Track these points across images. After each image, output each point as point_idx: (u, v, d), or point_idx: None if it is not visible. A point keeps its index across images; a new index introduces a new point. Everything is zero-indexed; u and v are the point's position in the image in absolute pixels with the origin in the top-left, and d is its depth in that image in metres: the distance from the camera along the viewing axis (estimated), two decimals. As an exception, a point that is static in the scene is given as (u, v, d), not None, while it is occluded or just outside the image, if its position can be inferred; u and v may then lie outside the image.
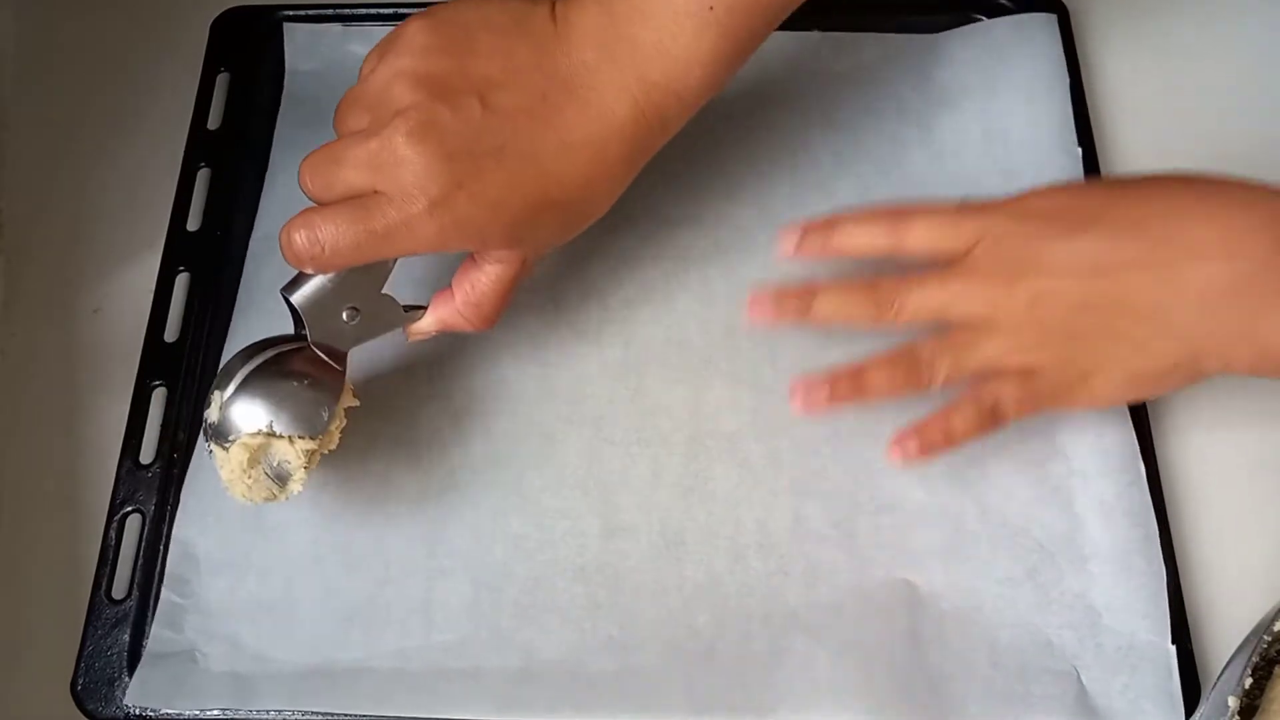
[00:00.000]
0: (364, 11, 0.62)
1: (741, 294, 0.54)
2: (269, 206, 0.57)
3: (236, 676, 0.46)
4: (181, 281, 0.55)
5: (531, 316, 0.54)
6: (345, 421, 0.47)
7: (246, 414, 0.44)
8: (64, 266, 0.57)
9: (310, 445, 0.45)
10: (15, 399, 0.54)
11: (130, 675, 0.47)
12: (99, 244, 0.58)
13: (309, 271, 0.45)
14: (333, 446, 0.46)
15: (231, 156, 0.58)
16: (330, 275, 0.45)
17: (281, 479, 0.45)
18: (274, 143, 0.59)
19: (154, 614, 0.48)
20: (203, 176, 0.58)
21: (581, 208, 0.46)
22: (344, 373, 0.46)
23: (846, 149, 0.58)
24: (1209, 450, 0.51)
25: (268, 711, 0.46)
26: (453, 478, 0.51)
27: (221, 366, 0.46)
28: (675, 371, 0.53)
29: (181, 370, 0.53)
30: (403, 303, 0.48)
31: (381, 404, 0.52)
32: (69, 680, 0.47)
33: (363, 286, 0.46)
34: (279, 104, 0.60)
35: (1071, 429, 0.50)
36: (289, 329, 0.54)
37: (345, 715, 0.46)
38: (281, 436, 0.44)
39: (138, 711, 0.46)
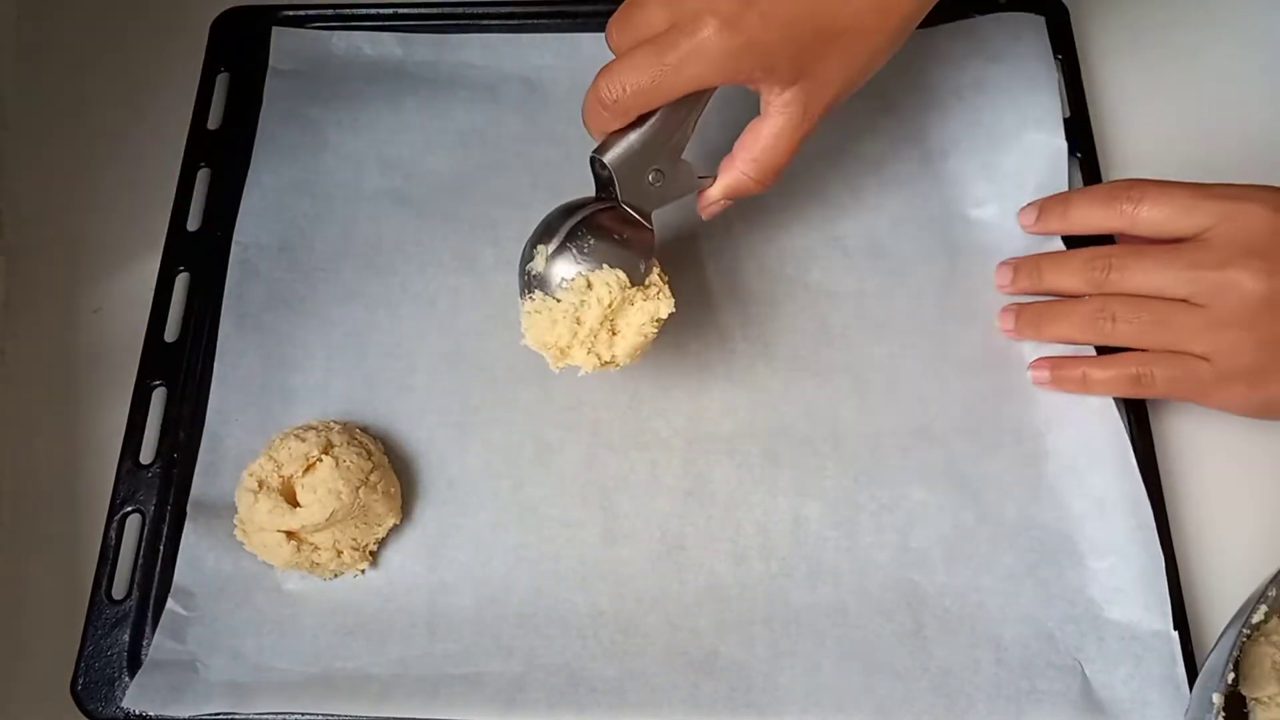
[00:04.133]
0: (362, 11, 0.62)
1: (734, 295, 0.54)
2: (250, 204, 0.57)
3: (235, 685, 0.46)
4: (181, 281, 0.55)
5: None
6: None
7: (570, 264, 0.46)
8: (64, 266, 0.57)
9: (632, 291, 0.46)
10: (15, 399, 0.54)
11: (130, 675, 0.47)
12: (99, 244, 0.58)
13: (611, 121, 0.46)
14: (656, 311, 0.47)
15: (231, 156, 0.58)
16: (636, 135, 0.46)
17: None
18: (256, 143, 0.59)
19: (154, 614, 0.48)
20: (203, 176, 0.58)
21: (871, 40, 0.45)
22: (653, 231, 0.48)
23: (836, 149, 0.58)
24: (1203, 439, 0.52)
25: (266, 714, 0.46)
26: (451, 490, 0.51)
27: (541, 222, 0.48)
28: (672, 375, 0.53)
29: (181, 370, 0.53)
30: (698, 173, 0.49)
31: (380, 419, 0.52)
32: (69, 680, 0.47)
33: (665, 150, 0.47)
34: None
35: (1061, 426, 0.51)
36: (285, 333, 0.54)
37: (345, 716, 0.46)
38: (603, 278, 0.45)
39: (137, 712, 0.46)
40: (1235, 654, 0.40)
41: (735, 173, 0.48)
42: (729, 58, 0.43)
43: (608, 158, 0.46)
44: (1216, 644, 0.42)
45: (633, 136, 0.46)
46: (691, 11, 0.43)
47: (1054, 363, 0.51)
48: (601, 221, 0.47)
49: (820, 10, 0.43)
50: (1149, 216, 0.49)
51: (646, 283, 0.47)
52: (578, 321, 0.46)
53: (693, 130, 0.47)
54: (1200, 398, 0.49)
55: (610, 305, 0.45)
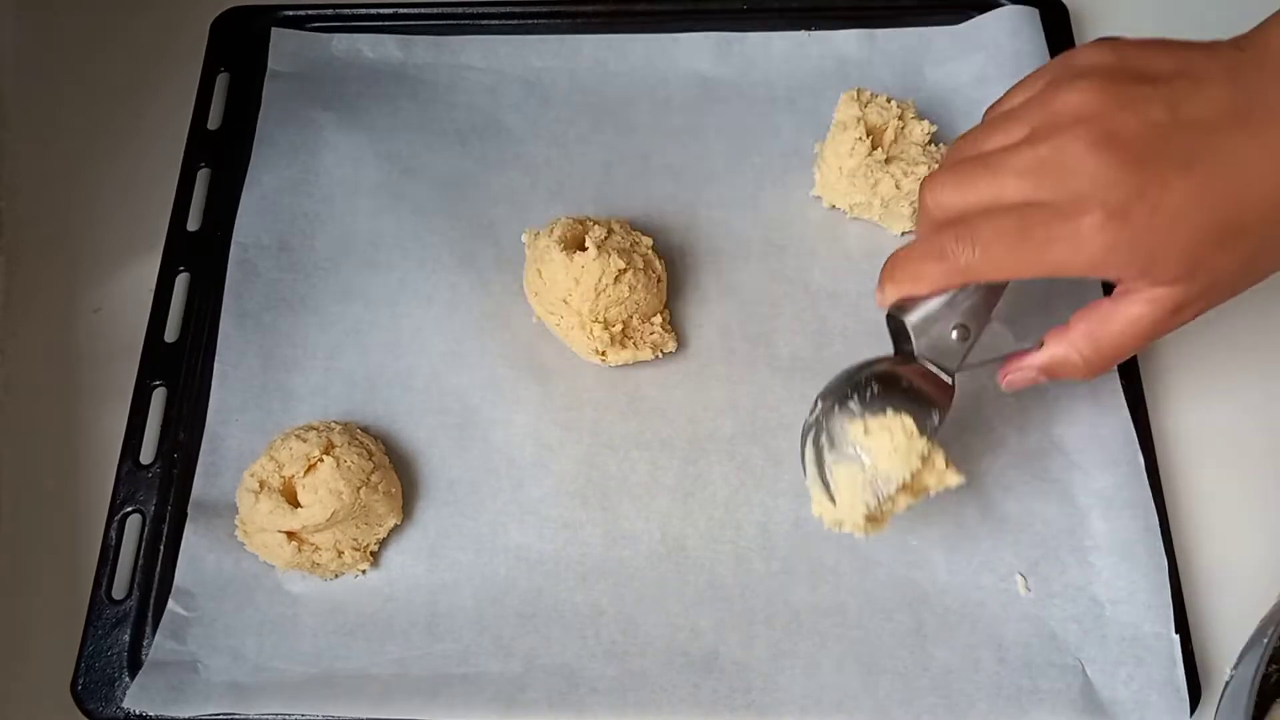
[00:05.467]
0: (362, 12, 0.62)
1: (734, 295, 0.54)
2: (250, 204, 0.57)
3: (236, 685, 0.46)
4: (181, 281, 0.55)
5: (525, 325, 0.54)
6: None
7: (857, 411, 0.43)
8: (64, 266, 0.57)
9: (922, 442, 0.42)
10: (15, 399, 0.54)
11: (130, 675, 0.47)
12: (99, 244, 0.58)
13: (944, 281, 0.42)
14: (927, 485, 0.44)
15: (231, 156, 0.58)
16: (943, 296, 0.43)
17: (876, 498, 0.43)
18: (255, 143, 0.59)
19: (154, 614, 0.48)
20: (203, 176, 0.58)
21: (1276, 240, 0.40)
22: (953, 388, 0.44)
23: None
24: (1206, 441, 0.52)
25: (267, 714, 0.46)
26: (452, 490, 0.51)
27: (830, 383, 0.45)
28: (672, 375, 0.53)
29: (181, 370, 0.53)
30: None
31: (380, 419, 0.52)
32: (69, 680, 0.47)
33: (974, 306, 0.43)
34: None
35: (1069, 422, 0.51)
36: (285, 333, 0.54)
37: (346, 717, 0.46)
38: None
39: (137, 713, 0.46)
40: (1267, 652, 0.40)
41: (1068, 348, 0.43)
42: (1106, 251, 0.39)
43: (900, 310, 0.43)
44: (1249, 645, 0.42)
45: (938, 297, 0.43)
46: (1071, 194, 0.39)
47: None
48: (894, 372, 0.44)
49: (1218, 208, 0.38)
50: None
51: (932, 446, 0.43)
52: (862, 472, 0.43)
53: (1006, 287, 0.44)
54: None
55: (892, 459, 0.42)
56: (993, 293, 0.43)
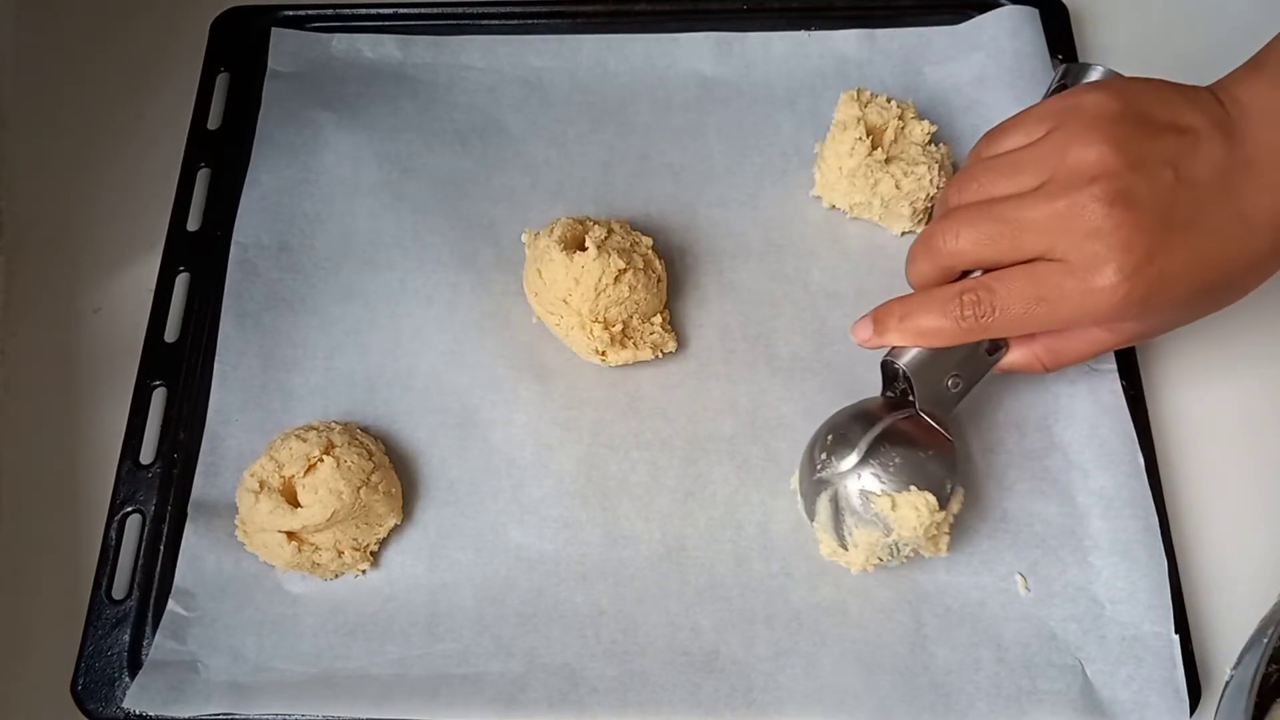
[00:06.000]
0: (362, 12, 0.62)
1: (734, 295, 0.54)
2: (250, 204, 0.57)
3: (236, 685, 0.46)
4: (181, 281, 0.55)
5: (525, 325, 0.54)
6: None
7: (873, 482, 0.45)
8: (64, 266, 0.57)
9: (940, 516, 0.44)
10: (15, 399, 0.54)
11: (130, 675, 0.47)
12: (99, 244, 0.58)
13: (957, 337, 0.44)
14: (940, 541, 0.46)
15: (231, 156, 0.58)
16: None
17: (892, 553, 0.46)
18: (255, 143, 0.59)
19: (154, 614, 0.48)
20: (203, 176, 0.58)
21: (1231, 294, 0.43)
22: (953, 443, 0.46)
23: None
24: (1206, 441, 0.52)
25: (267, 714, 0.46)
26: (452, 490, 0.51)
27: (825, 425, 0.47)
28: (672, 375, 0.53)
29: (181, 370, 0.53)
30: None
31: (380, 419, 0.52)
32: (69, 680, 0.47)
33: (969, 357, 0.45)
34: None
35: (1068, 422, 0.51)
36: (285, 333, 0.54)
37: (346, 717, 0.46)
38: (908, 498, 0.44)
39: (137, 713, 0.46)
40: (1257, 682, 0.40)
41: (1030, 356, 0.46)
42: (1115, 309, 0.41)
43: (906, 362, 0.45)
44: (1249, 645, 0.42)
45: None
46: (1087, 256, 0.41)
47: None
48: (903, 433, 0.45)
49: (1207, 269, 0.41)
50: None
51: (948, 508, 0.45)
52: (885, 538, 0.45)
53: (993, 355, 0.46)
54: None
55: (916, 530, 0.44)
56: (990, 344, 0.46)
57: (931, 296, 0.44)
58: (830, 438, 0.47)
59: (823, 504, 0.46)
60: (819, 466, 0.47)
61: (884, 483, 0.45)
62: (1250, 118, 0.42)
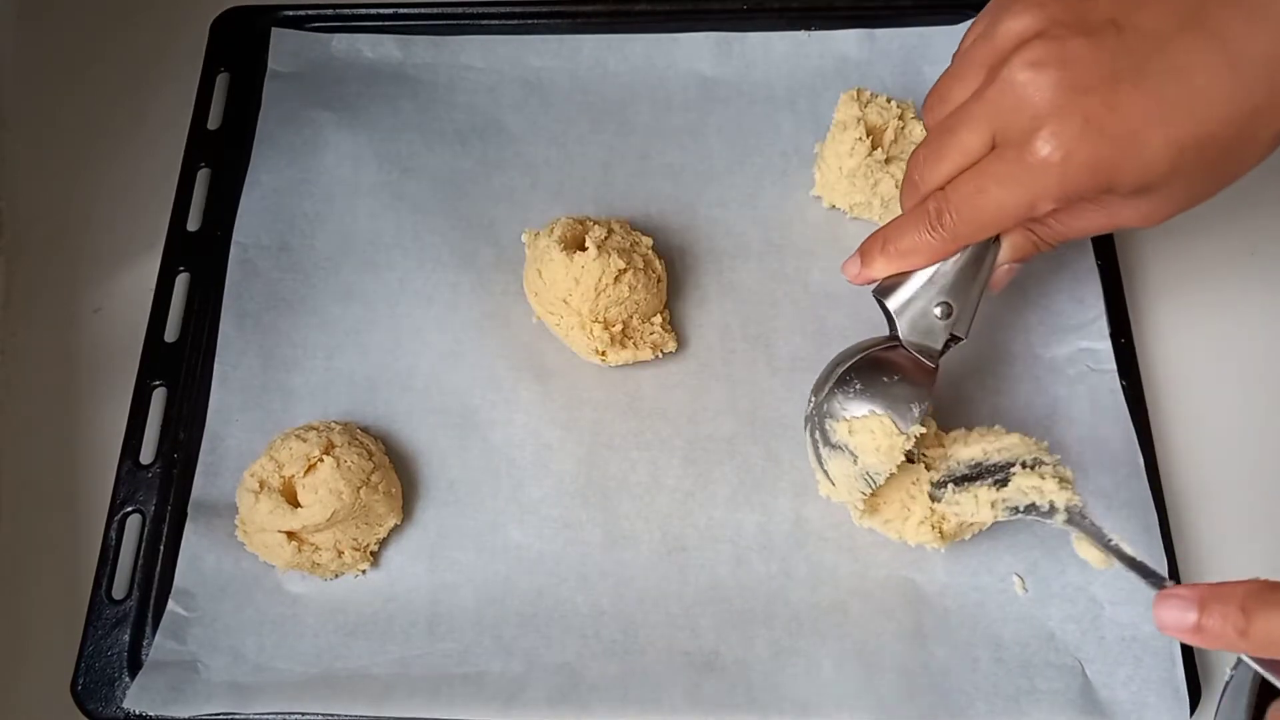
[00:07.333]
0: (362, 12, 0.62)
1: (734, 295, 0.54)
2: (250, 204, 0.57)
3: (236, 685, 0.46)
4: (181, 281, 0.55)
5: (525, 325, 0.54)
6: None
7: (842, 407, 0.44)
8: (64, 266, 0.57)
9: (900, 439, 0.43)
10: (15, 399, 0.54)
11: (130, 675, 0.47)
12: (99, 244, 0.58)
13: (938, 251, 0.42)
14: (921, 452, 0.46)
15: (231, 156, 0.58)
16: (923, 272, 0.44)
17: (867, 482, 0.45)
18: (255, 143, 0.59)
19: (154, 614, 0.48)
20: (203, 176, 0.58)
21: (1241, 148, 0.37)
22: (936, 369, 0.44)
23: None
24: (1206, 440, 0.52)
25: (267, 714, 0.46)
26: (452, 490, 0.51)
27: (822, 372, 0.47)
28: (672, 375, 0.53)
29: (181, 370, 0.53)
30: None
31: (380, 419, 0.52)
32: (69, 680, 0.47)
33: (955, 282, 0.44)
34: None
35: (1068, 422, 0.51)
36: (285, 333, 0.54)
37: (346, 716, 0.46)
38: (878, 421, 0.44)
39: (137, 713, 0.46)
40: (1257, 682, 0.40)
41: (1020, 237, 0.43)
42: (1064, 181, 0.38)
43: (880, 292, 0.45)
44: (1237, 665, 0.42)
45: (920, 274, 0.44)
46: (1019, 131, 0.38)
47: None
48: (876, 361, 0.45)
49: (1176, 120, 0.36)
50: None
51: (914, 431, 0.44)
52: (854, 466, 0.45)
53: (992, 258, 0.44)
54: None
55: (876, 454, 0.44)
56: (974, 264, 0.43)
57: (904, 217, 0.43)
58: (820, 377, 0.47)
59: (808, 440, 0.46)
60: (809, 404, 0.47)
61: (845, 409, 0.44)
62: None
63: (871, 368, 0.45)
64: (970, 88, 0.40)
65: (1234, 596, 0.35)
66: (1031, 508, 0.43)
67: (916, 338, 0.44)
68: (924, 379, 0.44)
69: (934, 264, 0.44)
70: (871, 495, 0.46)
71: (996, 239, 0.44)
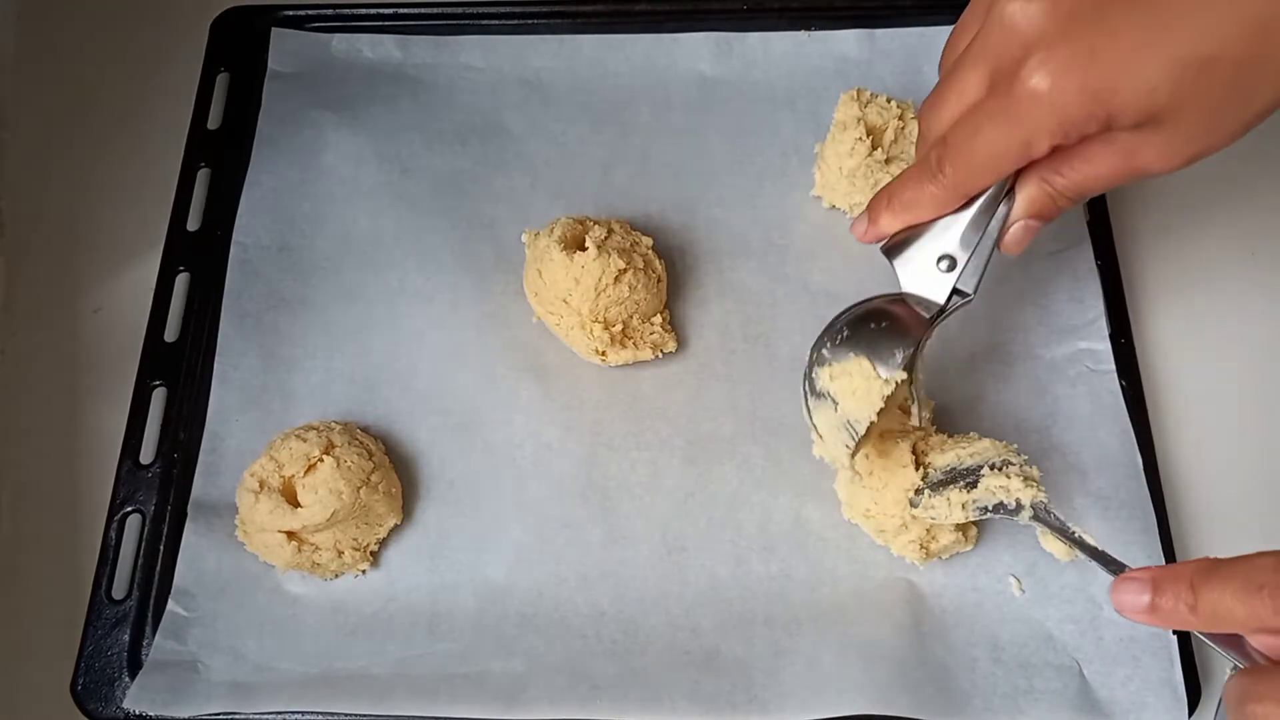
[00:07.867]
0: (362, 12, 0.62)
1: (734, 295, 0.54)
2: (250, 204, 0.57)
3: (236, 685, 0.46)
4: (181, 281, 0.55)
5: (525, 325, 0.54)
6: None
7: (829, 354, 0.44)
8: (64, 266, 0.57)
9: (880, 382, 0.42)
10: (15, 399, 0.54)
11: (130, 676, 0.47)
12: (99, 244, 0.58)
13: (945, 202, 0.42)
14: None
15: (231, 156, 0.58)
16: (931, 228, 0.43)
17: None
18: (255, 143, 0.59)
19: (154, 614, 0.48)
20: (203, 176, 0.58)
21: (1254, 70, 0.34)
22: (928, 320, 0.43)
23: None
24: (1206, 440, 0.52)
25: (267, 714, 0.46)
26: (452, 490, 0.51)
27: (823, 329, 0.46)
28: (672, 375, 0.53)
29: (181, 370, 0.53)
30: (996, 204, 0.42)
31: (380, 419, 0.52)
32: (69, 680, 0.47)
33: (959, 234, 0.43)
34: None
35: (1067, 423, 0.51)
36: (285, 333, 0.54)
37: (346, 716, 0.46)
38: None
39: (137, 713, 0.46)
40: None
41: (1037, 191, 0.40)
42: (1060, 114, 0.36)
43: (884, 245, 0.44)
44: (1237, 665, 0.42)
45: (927, 229, 0.43)
46: (1012, 63, 0.36)
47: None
48: (869, 311, 0.45)
49: (1176, 40, 0.34)
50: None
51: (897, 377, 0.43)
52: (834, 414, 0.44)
53: (1000, 206, 0.42)
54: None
55: (855, 398, 0.43)
56: (982, 217, 0.42)
57: (909, 169, 0.43)
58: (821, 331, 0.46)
59: (802, 395, 0.46)
60: (807, 360, 0.46)
61: (830, 355, 0.44)
62: None
63: (863, 317, 0.45)
64: (974, 33, 0.40)
65: (1184, 575, 0.35)
66: (1000, 506, 0.44)
67: (917, 289, 0.44)
68: (915, 329, 0.43)
69: (939, 216, 0.43)
70: (874, 505, 0.46)
71: (1010, 193, 0.42)
